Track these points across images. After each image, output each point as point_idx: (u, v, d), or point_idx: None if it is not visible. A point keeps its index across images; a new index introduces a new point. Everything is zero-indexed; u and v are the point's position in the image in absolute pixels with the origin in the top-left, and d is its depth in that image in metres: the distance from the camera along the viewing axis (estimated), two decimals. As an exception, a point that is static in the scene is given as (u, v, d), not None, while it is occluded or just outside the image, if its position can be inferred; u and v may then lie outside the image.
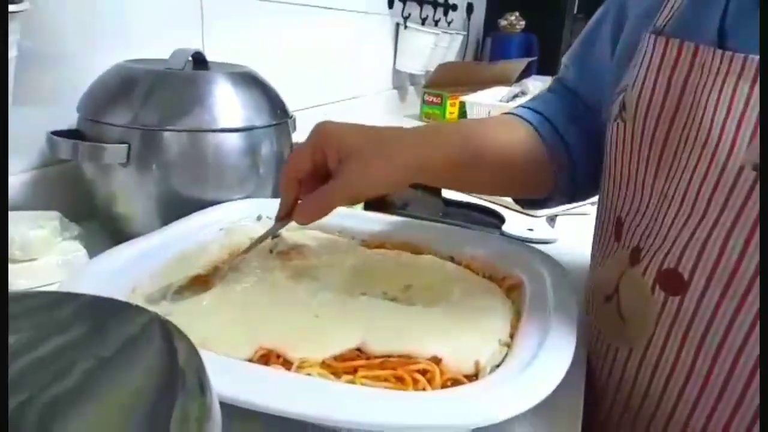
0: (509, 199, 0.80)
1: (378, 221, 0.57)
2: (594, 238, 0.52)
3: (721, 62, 0.35)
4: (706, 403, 0.37)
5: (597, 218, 0.51)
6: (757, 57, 0.33)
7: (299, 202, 0.44)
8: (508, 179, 0.52)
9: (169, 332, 0.20)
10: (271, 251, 0.52)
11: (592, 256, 0.52)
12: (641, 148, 0.41)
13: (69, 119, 0.58)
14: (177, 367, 0.19)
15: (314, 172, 0.43)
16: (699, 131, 0.36)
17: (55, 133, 0.54)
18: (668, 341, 0.39)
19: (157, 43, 0.68)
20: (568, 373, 0.33)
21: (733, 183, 0.34)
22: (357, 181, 0.41)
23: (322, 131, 0.43)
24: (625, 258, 0.43)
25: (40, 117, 0.58)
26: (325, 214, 0.42)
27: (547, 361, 0.34)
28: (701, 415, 0.38)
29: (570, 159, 0.53)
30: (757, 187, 0.33)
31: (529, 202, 0.59)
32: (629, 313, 0.42)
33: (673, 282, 0.38)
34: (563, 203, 0.58)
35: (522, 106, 0.57)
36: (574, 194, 0.57)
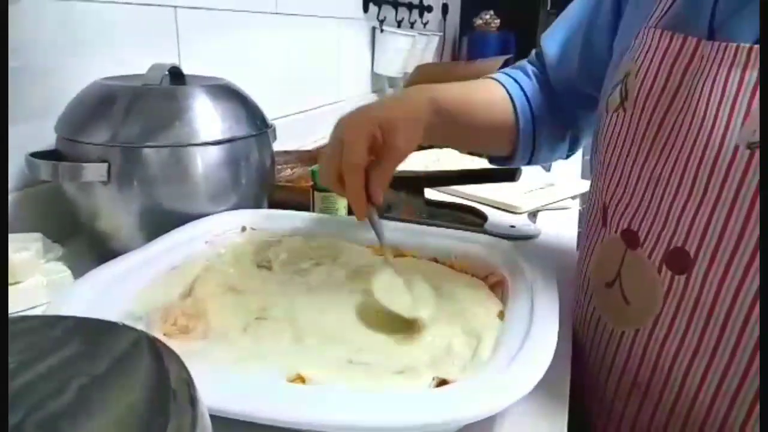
0: (491, 197, 0.81)
1: (362, 225, 0.58)
2: (583, 226, 0.54)
3: (716, 52, 0.38)
4: (714, 376, 0.39)
5: (586, 207, 0.53)
6: (748, 45, 0.36)
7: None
8: (483, 133, 0.61)
9: (157, 348, 0.21)
10: (258, 266, 0.52)
11: (582, 245, 0.53)
12: (636, 134, 0.43)
13: (47, 139, 0.58)
14: (168, 382, 0.19)
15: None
16: (694, 116, 0.38)
17: (34, 154, 0.54)
18: (676, 319, 0.40)
19: (133, 59, 0.68)
20: (553, 365, 0.34)
21: (730, 162, 0.36)
22: (405, 145, 0.49)
23: (368, 120, 0.49)
24: (618, 243, 0.44)
25: (18, 138, 0.58)
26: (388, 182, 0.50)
27: (530, 356, 0.35)
28: (710, 388, 0.39)
29: (533, 127, 0.61)
30: (753, 164, 0.35)
31: (497, 160, 0.67)
32: (634, 296, 0.43)
33: (680, 260, 0.39)
34: (522, 164, 0.66)
35: (503, 72, 0.64)
36: (530, 158, 0.64)
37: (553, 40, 0.62)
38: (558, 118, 0.62)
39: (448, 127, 0.54)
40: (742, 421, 0.38)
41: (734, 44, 0.37)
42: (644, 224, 0.42)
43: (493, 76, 0.63)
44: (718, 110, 0.37)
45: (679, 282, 0.40)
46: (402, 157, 0.49)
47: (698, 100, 0.38)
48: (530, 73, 0.63)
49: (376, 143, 0.48)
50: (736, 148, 0.36)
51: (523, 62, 0.66)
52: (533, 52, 0.66)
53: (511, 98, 0.60)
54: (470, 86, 0.60)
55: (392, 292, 0.45)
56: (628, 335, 0.44)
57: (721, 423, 0.39)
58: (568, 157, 0.69)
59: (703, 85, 0.38)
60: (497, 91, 0.60)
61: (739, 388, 0.38)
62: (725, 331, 0.38)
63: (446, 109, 0.53)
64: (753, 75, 0.36)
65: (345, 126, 0.49)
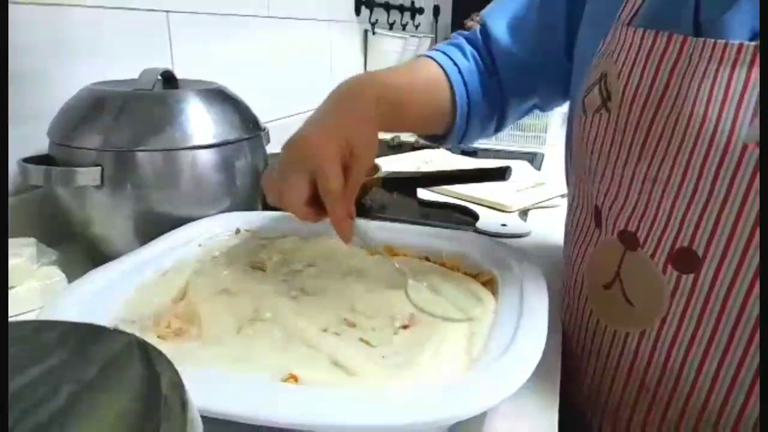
0: (482, 197, 0.82)
1: (356, 226, 0.58)
2: (569, 229, 0.53)
3: (711, 50, 0.37)
4: (726, 375, 0.39)
5: (570, 210, 0.52)
6: (752, 43, 0.35)
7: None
8: (424, 116, 0.59)
9: (148, 353, 0.21)
10: (252, 267, 0.52)
11: (569, 247, 0.52)
12: (624, 136, 0.42)
13: (40, 144, 0.58)
14: (159, 387, 0.19)
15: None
16: (692, 116, 0.37)
17: (26, 160, 0.54)
18: (684, 318, 0.40)
19: (125, 64, 0.68)
20: (543, 362, 0.35)
21: (738, 161, 0.36)
22: (370, 153, 0.47)
23: (332, 139, 0.45)
24: (615, 244, 0.44)
25: (10, 143, 0.58)
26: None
27: (520, 353, 0.35)
28: (724, 383, 0.39)
29: (468, 109, 0.60)
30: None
31: (432, 138, 0.65)
32: (637, 297, 0.43)
33: (687, 260, 0.39)
34: (453, 144, 0.65)
35: (440, 51, 0.62)
36: (462, 138, 0.63)
37: (501, 18, 0.60)
38: (490, 100, 0.61)
39: (394, 118, 0.52)
40: (759, 412, 0.38)
41: (736, 42, 0.36)
42: (643, 225, 0.41)
43: (431, 54, 0.61)
44: (721, 110, 0.36)
45: (686, 281, 0.39)
46: (369, 165, 0.47)
47: (695, 99, 0.37)
48: (468, 53, 0.61)
49: (345, 160, 0.44)
50: (745, 146, 0.35)
51: (460, 39, 0.63)
52: (477, 28, 0.63)
53: (449, 80, 0.59)
54: (412, 71, 0.59)
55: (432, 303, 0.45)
56: (633, 337, 0.43)
57: (737, 416, 0.39)
58: (493, 134, 0.67)
59: (700, 85, 0.37)
60: (437, 74, 0.59)
61: (754, 381, 0.38)
62: (738, 326, 0.37)
63: (392, 102, 0.52)
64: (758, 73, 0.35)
65: (312, 151, 0.44)
